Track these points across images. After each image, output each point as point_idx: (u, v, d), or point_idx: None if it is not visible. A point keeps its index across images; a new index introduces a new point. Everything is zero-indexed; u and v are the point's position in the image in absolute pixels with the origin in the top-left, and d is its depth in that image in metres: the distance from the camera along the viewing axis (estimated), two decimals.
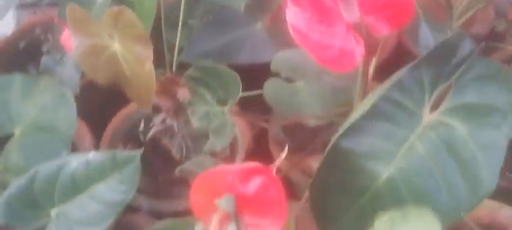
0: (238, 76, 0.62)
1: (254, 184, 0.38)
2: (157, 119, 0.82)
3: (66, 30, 0.73)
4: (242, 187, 0.39)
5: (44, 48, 1.01)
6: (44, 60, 0.94)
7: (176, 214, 0.72)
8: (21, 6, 0.90)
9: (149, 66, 0.59)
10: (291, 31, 0.41)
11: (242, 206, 0.39)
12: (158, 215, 0.75)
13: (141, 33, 0.57)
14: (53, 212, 0.56)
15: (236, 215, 0.39)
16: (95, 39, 0.60)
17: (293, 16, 0.41)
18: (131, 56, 0.60)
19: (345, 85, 0.72)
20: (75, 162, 0.55)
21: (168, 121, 0.81)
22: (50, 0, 0.94)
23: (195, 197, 0.43)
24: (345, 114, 0.56)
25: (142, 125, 0.87)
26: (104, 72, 0.62)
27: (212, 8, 0.82)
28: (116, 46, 0.60)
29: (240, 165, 0.40)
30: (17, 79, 0.71)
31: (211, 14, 0.82)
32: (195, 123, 0.67)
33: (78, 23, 0.59)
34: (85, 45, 0.60)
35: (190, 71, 0.65)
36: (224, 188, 0.40)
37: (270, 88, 0.73)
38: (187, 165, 0.66)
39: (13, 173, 0.66)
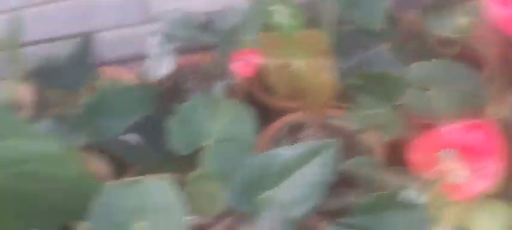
0: (401, 78, 0.74)
1: (476, 136, 0.50)
2: (305, 133, 0.95)
3: (235, 60, 0.89)
4: (465, 140, 0.51)
5: (188, 85, 1.17)
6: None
7: (342, 211, 0.83)
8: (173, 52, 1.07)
9: (328, 74, 0.73)
10: (498, 23, 0.54)
11: (463, 156, 0.51)
12: (325, 215, 0.85)
13: (324, 49, 0.71)
14: (265, 195, 0.69)
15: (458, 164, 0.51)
16: (280, 58, 0.75)
17: (497, 12, 0.54)
18: (311, 69, 0.74)
19: (472, 91, 0.84)
20: (283, 153, 0.69)
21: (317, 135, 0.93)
22: (200, 46, 1.11)
23: (414, 155, 0.55)
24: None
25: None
26: (286, 85, 0.76)
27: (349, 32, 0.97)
28: (298, 62, 0.75)
29: (458, 123, 0.52)
30: (200, 102, 0.87)
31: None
32: (357, 123, 0.79)
33: (269, 45, 0.73)
34: (272, 64, 0.75)
35: (352, 79, 0.79)
36: (444, 144, 0.52)
37: (409, 98, 0.86)
38: (350, 164, 0.78)
39: (209, 177, 0.80)
